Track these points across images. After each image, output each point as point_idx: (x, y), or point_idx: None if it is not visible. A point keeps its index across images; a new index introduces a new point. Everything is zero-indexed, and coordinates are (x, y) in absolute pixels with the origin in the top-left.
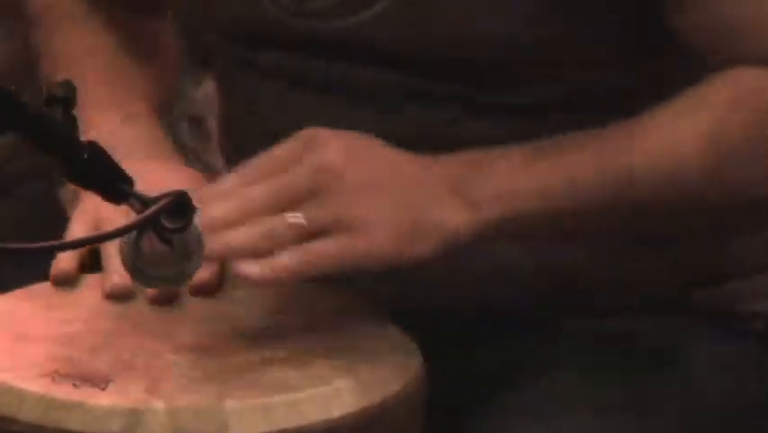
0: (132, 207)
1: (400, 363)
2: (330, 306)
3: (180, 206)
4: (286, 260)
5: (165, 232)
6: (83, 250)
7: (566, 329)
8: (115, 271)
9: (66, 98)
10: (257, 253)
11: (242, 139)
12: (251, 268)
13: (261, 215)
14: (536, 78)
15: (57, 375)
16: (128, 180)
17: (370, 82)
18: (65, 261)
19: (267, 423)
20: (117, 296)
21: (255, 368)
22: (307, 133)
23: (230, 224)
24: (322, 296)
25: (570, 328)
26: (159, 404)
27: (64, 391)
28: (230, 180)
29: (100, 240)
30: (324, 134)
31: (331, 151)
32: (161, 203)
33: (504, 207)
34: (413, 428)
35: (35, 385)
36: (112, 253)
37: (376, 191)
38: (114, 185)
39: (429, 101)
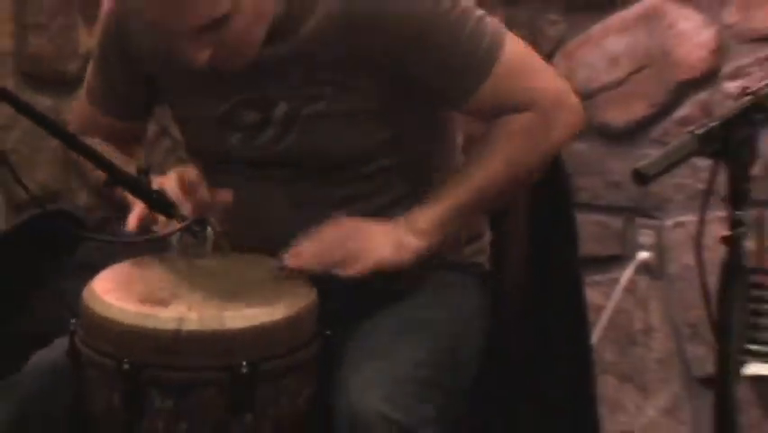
0: (177, 220)
1: (306, 295)
2: (272, 272)
3: (201, 221)
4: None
5: (195, 232)
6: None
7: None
8: None
9: (145, 170)
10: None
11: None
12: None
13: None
14: (375, 161)
15: (143, 299)
16: (174, 206)
17: (290, 176)
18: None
19: (245, 321)
20: None
21: (238, 298)
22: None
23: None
24: (269, 266)
25: (391, 284)
26: (193, 315)
27: (145, 307)
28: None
29: (165, 236)
30: (343, 221)
31: (347, 227)
32: (190, 219)
33: (432, 237)
34: (311, 327)
35: (130, 304)
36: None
37: (374, 235)
38: (167, 209)
39: (320, 182)
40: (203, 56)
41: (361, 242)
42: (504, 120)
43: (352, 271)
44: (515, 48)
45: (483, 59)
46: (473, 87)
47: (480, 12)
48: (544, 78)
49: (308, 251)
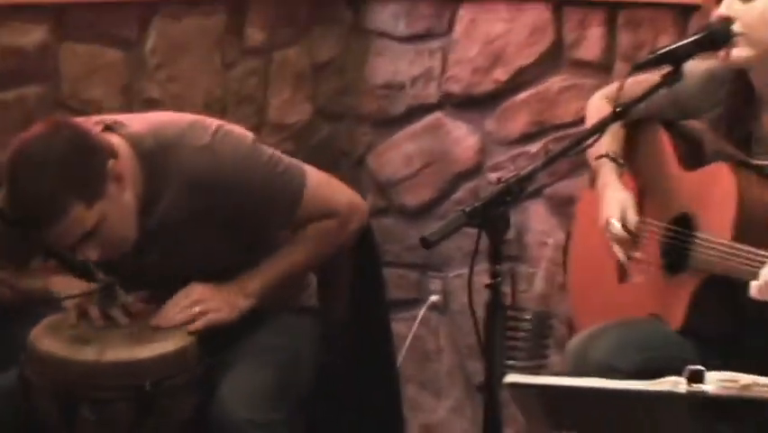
0: (96, 282)
1: (186, 337)
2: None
3: (113, 284)
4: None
5: (107, 293)
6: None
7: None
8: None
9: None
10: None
11: None
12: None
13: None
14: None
15: (72, 339)
16: (93, 272)
17: (160, 284)
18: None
19: (147, 353)
20: None
21: (142, 337)
22: (190, 286)
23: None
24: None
25: (251, 325)
26: (109, 349)
27: (73, 345)
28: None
29: (89, 294)
30: (195, 285)
31: (199, 289)
32: (105, 281)
33: (255, 298)
34: (196, 356)
35: (62, 343)
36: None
37: (218, 297)
38: (92, 275)
39: (180, 283)
40: (94, 254)
41: (208, 304)
42: (311, 226)
43: (201, 325)
44: (314, 174)
45: (296, 189)
46: (293, 210)
47: (284, 156)
48: (338, 192)
49: (171, 312)
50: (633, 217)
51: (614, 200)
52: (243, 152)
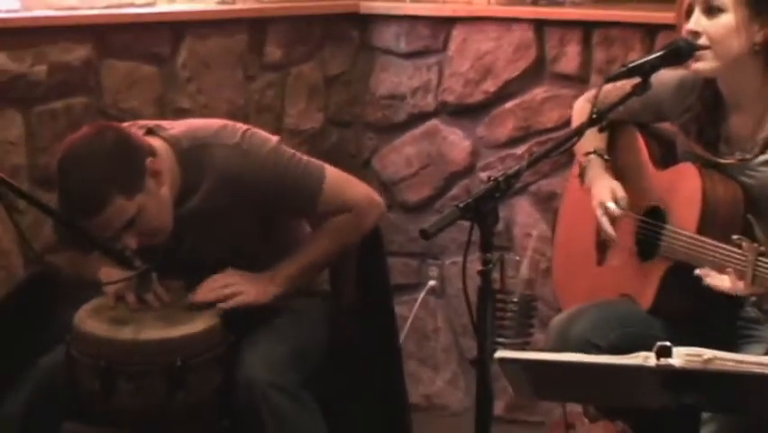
0: (133, 270)
1: (215, 316)
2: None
3: (148, 271)
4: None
5: (143, 278)
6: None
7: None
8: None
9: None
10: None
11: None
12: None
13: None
14: (245, 251)
15: (111, 320)
16: (131, 259)
17: (192, 270)
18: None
19: (178, 332)
20: None
21: (173, 318)
22: (226, 271)
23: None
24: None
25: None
26: (144, 329)
27: (112, 325)
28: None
29: (127, 281)
30: (230, 271)
31: (233, 274)
32: (140, 269)
33: (285, 286)
34: (220, 335)
35: (103, 324)
36: None
37: (248, 282)
38: (129, 263)
39: (210, 270)
40: (133, 242)
41: (239, 287)
42: (332, 220)
43: (231, 304)
44: (333, 171)
45: (316, 182)
46: (315, 202)
47: (305, 156)
48: (356, 187)
49: (205, 291)
50: (623, 196)
51: (604, 187)
52: (268, 150)
